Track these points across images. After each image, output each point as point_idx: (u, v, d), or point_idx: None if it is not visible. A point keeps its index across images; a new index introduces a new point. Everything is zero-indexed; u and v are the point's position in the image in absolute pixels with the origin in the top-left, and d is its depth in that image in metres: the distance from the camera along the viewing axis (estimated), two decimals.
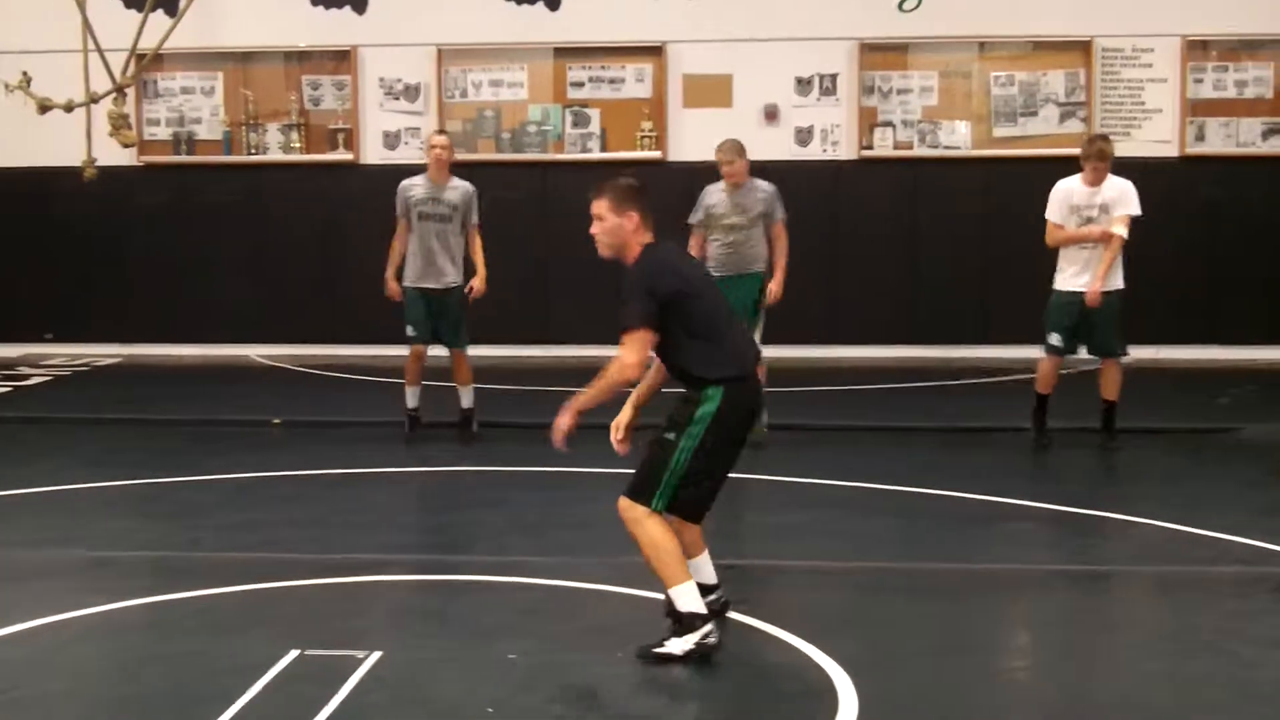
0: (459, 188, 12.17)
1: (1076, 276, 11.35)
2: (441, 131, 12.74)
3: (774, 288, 11.90)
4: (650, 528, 6.75)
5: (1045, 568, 8.53)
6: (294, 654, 6.60)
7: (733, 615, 7.28)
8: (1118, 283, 11.31)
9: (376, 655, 6.62)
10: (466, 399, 12.35)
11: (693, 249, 11.78)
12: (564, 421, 6.88)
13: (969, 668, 6.73)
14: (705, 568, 7.10)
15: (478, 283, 12.21)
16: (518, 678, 6.45)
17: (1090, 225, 11.28)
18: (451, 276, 12.17)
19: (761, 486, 10.59)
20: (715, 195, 11.77)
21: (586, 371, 15.96)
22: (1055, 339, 11.50)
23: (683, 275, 7.01)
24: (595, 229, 7.04)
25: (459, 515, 10.06)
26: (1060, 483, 10.68)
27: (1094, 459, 11.50)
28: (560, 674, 6.48)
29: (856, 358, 16.46)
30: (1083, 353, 11.61)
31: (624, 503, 6.83)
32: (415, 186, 12.14)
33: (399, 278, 12.22)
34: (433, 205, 12.08)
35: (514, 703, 6.17)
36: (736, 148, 11.71)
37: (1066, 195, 11.40)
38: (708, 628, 6.68)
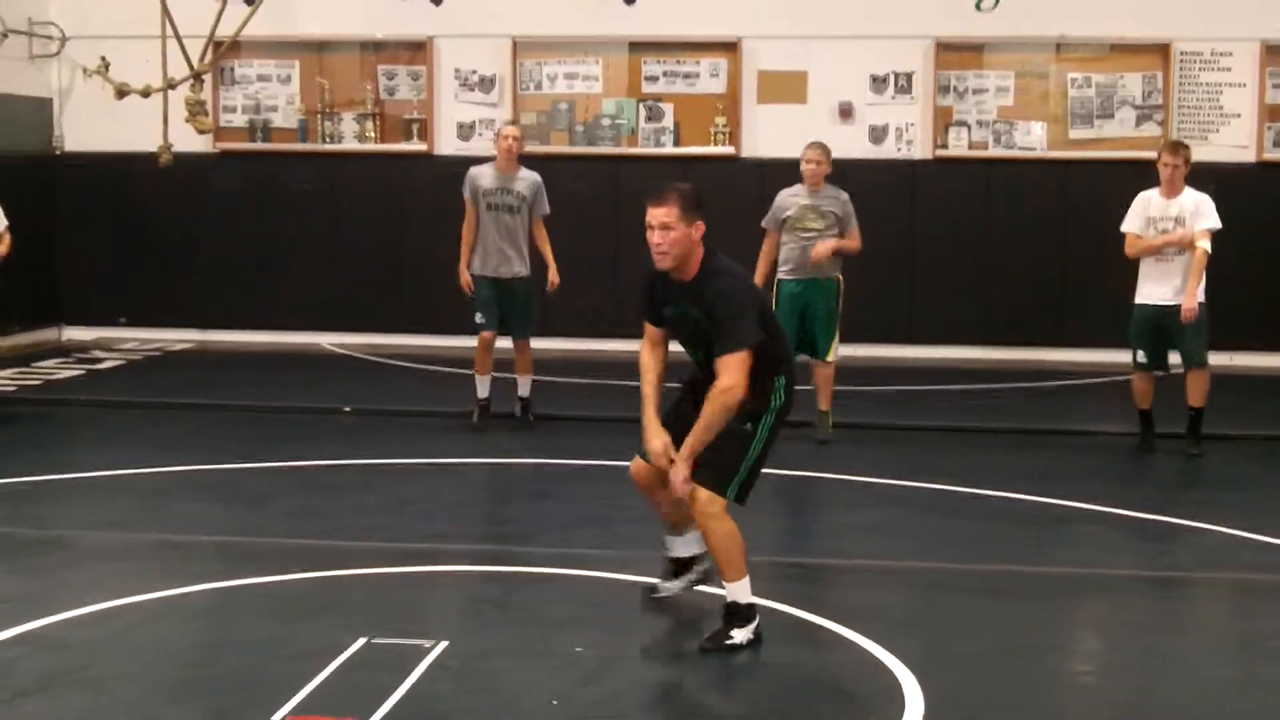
0: (527, 178, 12.20)
1: (1154, 289, 11.29)
2: (513, 122, 12.76)
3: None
4: (728, 521, 6.70)
5: (1114, 572, 8.45)
6: (361, 641, 6.62)
7: (799, 614, 7.27)
8: (1200, 295, 11.21)
9: (443, 644, 6.64)
10: (524, 388, 12.39)
11: (765, 252, 11.76)
12: (683, 473, 6.63)
13: (1036, 670, 6.68)
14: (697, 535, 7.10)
15: (553, 275, 12.25)
16: (583, 670, 6.46)
17: (1166, 236, 11.22)
18: (518, 267, 12.20)
19: (831, 485, 10.57)
20: (792, 199, 11.72)
21: None
22: (1140, 355, 11.45)
23: (765, 299, 7.06)
24: (659, 238, 6.64)
25: (525, 506, 10.08)
26: (1132, 487, 10.60)
27: (1168, 464, 11.39)
28: (626, 668, 6.47)
29: (930, 358, 16.40)
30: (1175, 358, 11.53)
31: (706, 496, 6.67)
32: (483, 176, 12.18)
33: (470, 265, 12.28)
34: (501, 195, 12.11)
35: (579, 695, 6.17)
36: (827, 149, 11.69)
37: (1144, 206, 11.37)
38: (759, 619, 6.77)
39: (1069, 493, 10.08)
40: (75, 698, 6.12)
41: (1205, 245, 11.07)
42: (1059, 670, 6.83)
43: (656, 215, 6.60)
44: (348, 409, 13.05)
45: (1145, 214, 11.33)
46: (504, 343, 12.38)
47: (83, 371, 15.33)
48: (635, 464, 6.97)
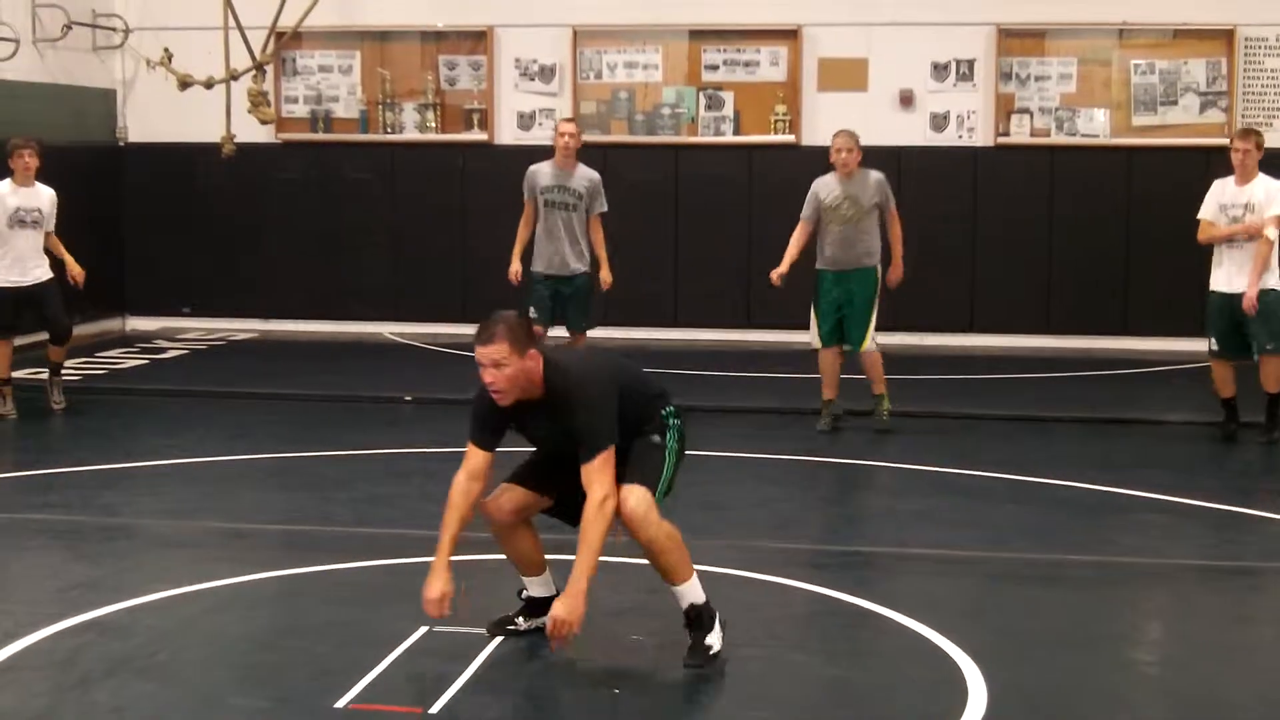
0: (585, 176, 12.23)
1: (1225, 277, 11.20)
2: (570, 119, 12.78)
3: (896, 272, 11.77)
4: (664, 523, 6.27)
5: (1180, 561, 8.40)
6: (423, 630, 6.65)
7: (862, 603, 7.26)
8: (1271, 282, 11.08)
9: (499, 639, 6.67)
10: None
11: (796, 241, 11.71)
12: (577, 613, 6.04)
13: (1100, 660, 6.64)
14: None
15: (605, 274, 12.28)
16: (644, 658, 6.46)
17: (1236, 224, 11.12)
18: (576, 263, 12.25)
19: (893, 473, 10.55)
20: (827, 187, 11.67)
21: (715, 354, 16.06)
22: (1213, 343, 11.37)
23: (616, 365, 6.55)
24: (492, 378, 6.07)
25: None
26: (1200, 476, 10.50)
27: (1239, 453, 11.29)
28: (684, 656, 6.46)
29: (993, 346, 16.32)
30: None
31: (641, 494, 6.20)
32: (542, 173, 12.23)
33: (524, 260, 12.31)
34: (559, 193, 12.15)
35: (641, 684, 6.18)
36: (856, 136, 11.64)
37: (1218, 193, 11.28)
38: (717, 612, 6.46)
39: (1134, 481, 10.00)
40: (142, 684, 6.17)
41: (1271, 234, 10.95)
42: (1123, 660, 6.79)
43: (487, 354, 6.04)
44: (409, 397, 13.10)
45: (1219, 200, 11.24)
46: (557, 332, 12.42)
47: (147, 361, 15.46)
48: (495, 501, 6.51)
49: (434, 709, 5.86)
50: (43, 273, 12.28)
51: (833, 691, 6.29)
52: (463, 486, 6.31)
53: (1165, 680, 6.55)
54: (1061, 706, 6.09)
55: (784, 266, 11.59)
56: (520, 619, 6.71)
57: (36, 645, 6.61)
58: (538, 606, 6.64)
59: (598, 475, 6.08)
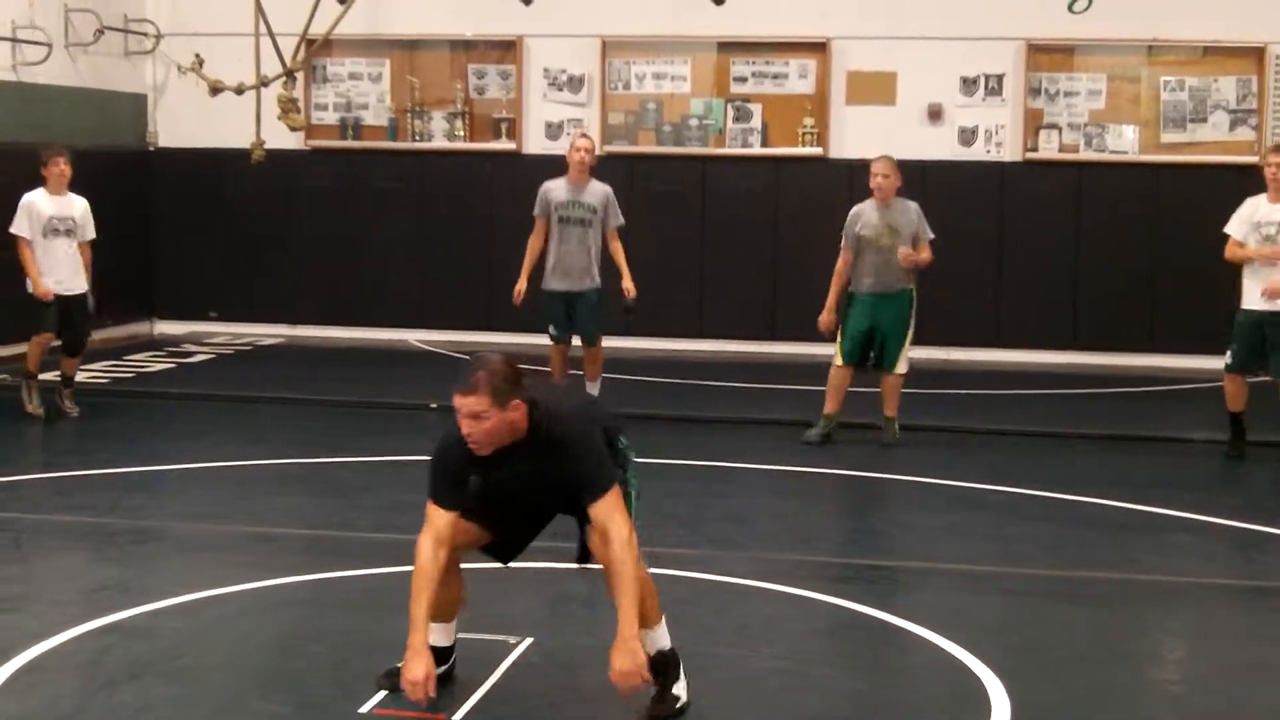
0: (597, 190, 12.31)
1: (1256, 297, 11.10)
2: (586, 134, 12.81)
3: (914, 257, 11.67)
4: (642, 562, 5.85)
5: (1204, 580, 8.37)
6: None
7: (885, 617, 7.26)
8: None
9: (528, 641, 6.68)
10: (594, 389, 12.44)
11: (839, 270, 11.76)
12: (641, 662, 5.62)
13: (1123, 677, 6.62)
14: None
15: (628, 284, 12.32)
16: None
17: (1268, 245, 11.02)
18: (589, 280, 12.32)
19: (917, 488, 10.53)
20: (866, 215, 11.68)
21: (742, 366, 16.05)
22: (1231, 356, 11.31)
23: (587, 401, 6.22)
24: (470, 429, 5.63)
25: None
26: (1223, 495, 10.48)
27: (1261, 472, 11.26)
28: (712, 668, 6.44)
29: (1019, 361, 16.30)
30: None
31: (628, 533, 5.70)
32: (556, 189, 12.31)
33: (533, 277, 12.49)
34: (573, 209, 12.21)
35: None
36: (894, 162, 11.65)
37: (1251, 211, 11.17)
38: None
39: (1158, 499, 9.98)
40: (165, 687, 6.20)
41: None
42: (1146, 679, 6.78)
43: (466, 405, 5.60)
44: (434, 404, 13.12)
45: (1251, 219, 11.12)
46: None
47: (174, 365, 15.52)
48: (433, 534, 5.87)
49: (456, 716, 5.88)
50: (78, 285, 12.31)
51: (855, 705, 6.29)
52: (430, 553, 5.77)
53: (1188, 699, 6.53)
54: None
55: (830, 310, 11.69)
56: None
57: (62, 646, 6.64)
58: (442, 655, 6.12)
59: (618, 512, 5.70)
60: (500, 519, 6.07)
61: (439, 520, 5.84)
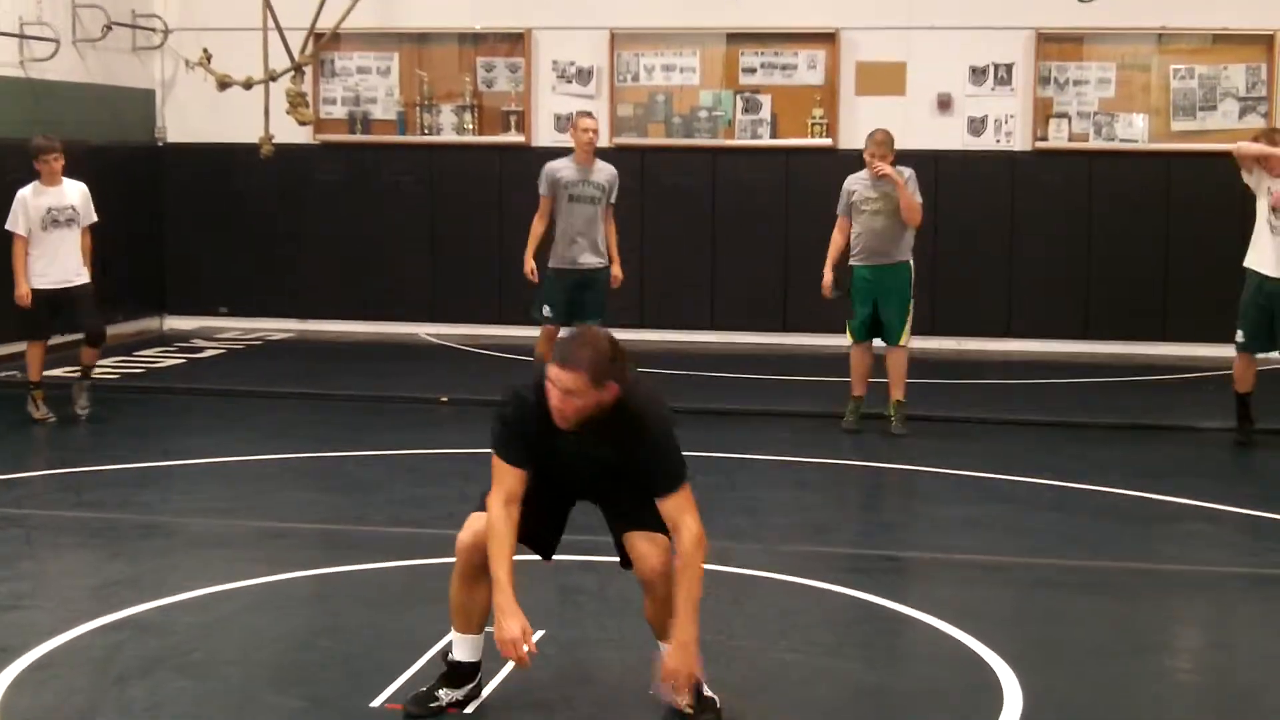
0: (605, 170, 12.32)
1: (1264, 258, 11.02)
2: (589, 114, 12.74)
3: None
4: None
5: (1220, 569, 8.33)
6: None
7: (900, 608, 7.24)
8: None
9: (540, 634, 6.65)
10: None
11: (838, 238, 11.75)
12: (692, 675, 5.66)
13: (1139, 668, 6.60)
14: None
15: (616, 270, 12.34)
16: None
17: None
18: (598, 258, 12.30)
19: (931, 478, 10.50)
20: (857, 184, 11.70)
21: (754, 358, 16.01)
22: (1241, 335, 11.30)
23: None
24: (560, 402, 5.49)
25: None
26: (1238, 483, 10.44)
27: (1274, 461, 11.22)
28: (725, 660, 6.43)
29: (1031, 351, 16.26)
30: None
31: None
32: (563, 169, 12.25)
33: (538, 257, 12.43)
34: (583, 188, 12.19)
35: None
36: (890, 141, 11.61)
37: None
38: None
39: (1173, 488, 9.95)
40: (177, 682, 6.19)
41: None
42: (1162, 669, 6.75)
43: (562, 379, 5.46)
44: (445, 398, 13.11)
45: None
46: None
47: (184, 360, 15.51)
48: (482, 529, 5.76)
49: (469, 709, 5.86)
50: (81, 276, 12.08)
51: (870, 697, 6.27)
52: (501, 511, 5.63)
53: (1205, 689, 6.51)
54: (1099, 715, 6.06)
55: (828, 276, 11.67)
56: (442, 692, 5.91)
57: (74, 642, 6.63)
58: (459, 675, 5.94)
59: (688, 509, 5.66)
60: (544, 499, 5.86)
61: (508, 477, 5.67)
